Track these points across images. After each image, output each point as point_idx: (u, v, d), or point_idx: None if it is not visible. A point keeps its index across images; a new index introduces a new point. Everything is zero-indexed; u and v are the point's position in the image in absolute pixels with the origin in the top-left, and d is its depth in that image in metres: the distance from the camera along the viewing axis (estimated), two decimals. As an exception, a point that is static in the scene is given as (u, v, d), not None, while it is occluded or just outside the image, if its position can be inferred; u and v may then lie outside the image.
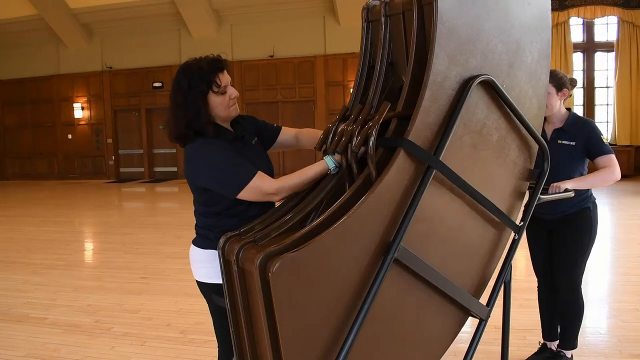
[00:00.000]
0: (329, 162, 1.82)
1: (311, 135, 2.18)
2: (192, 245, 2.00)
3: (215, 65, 1.85)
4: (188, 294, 4.20)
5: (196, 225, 2.00)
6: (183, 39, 12.99)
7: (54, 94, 14.18)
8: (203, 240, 1.94)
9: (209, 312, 2.04)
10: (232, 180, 1.80)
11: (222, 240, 1.74)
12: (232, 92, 1.90)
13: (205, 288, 1.97)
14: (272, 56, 12.53)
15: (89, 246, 6.85)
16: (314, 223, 1.58)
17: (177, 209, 9.84)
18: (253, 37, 12.55)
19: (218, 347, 2.06)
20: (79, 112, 14.06)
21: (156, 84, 13.37)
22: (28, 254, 5.97)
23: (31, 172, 14.68)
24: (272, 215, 1.81)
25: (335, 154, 1.80)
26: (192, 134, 1.85)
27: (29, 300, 4.26)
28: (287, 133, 2.18)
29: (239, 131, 1.98)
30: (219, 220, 1.89)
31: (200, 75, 1.82)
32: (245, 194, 1.80)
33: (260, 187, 1.79)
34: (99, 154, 14.18)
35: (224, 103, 1.88)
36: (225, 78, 1.87)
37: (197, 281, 2.00)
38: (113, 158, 14.06)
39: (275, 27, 12.44)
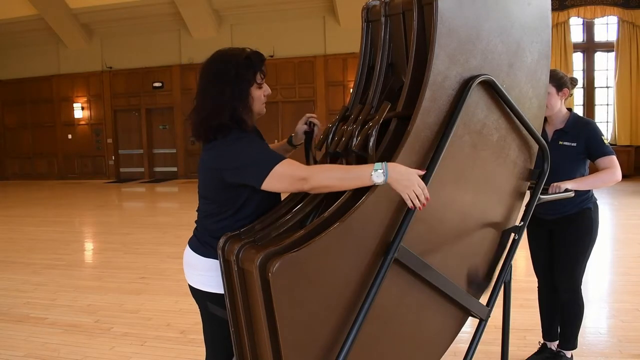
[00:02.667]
0: (377, 165, 1.55)
1: (278, 147, 2.16)
2: (190, 250, 1.89)
3: (261, 57, 1.79)
4: (188, 294, 4.11)
5: (200, 230, 1.88)
6: (183, 39, 12.99)
7: (54, 94, 14.19)
8: (205, 248, 1.83)
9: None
10: (260, 164, 1.66)
11: (222, 240, 1.73)
12: (267, 89, 1.82)
13: (200, 295, 1.91)
14: (272, 56, 12.52)
15: (89, 246, 6.85)
16: (314, 223, 1.58)
17: (177, 209, 9.84)
18: (253, 37, 12.53)
19: (206, 351, 2.00)
20: (79, 112, 14.07)
21: (156, 84, 13.38)
22: (28, 254, 5.96)
23: (31, 172, 14.67)
24: (272, 216, 1.80)
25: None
26: (233, 125, 1.71)
27: (29, 300, 4.26)
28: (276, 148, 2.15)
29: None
30: (228, 224, 1.78)
31: (248, 64, 1.73)
32: (274, 181, 1.64)
33: (293, 171, 1.63)
34: (99, 154, 14.18)
35: (260, 98, 1.79)
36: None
37: (190, 286, 1.93)
38: (113, 158, 14.06)
39: (275, 27, 12.44)
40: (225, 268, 1.74)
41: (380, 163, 1.56)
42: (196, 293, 1.94)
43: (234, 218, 1.79)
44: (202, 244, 1.86)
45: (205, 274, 1.86)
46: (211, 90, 1.73)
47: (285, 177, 1.64)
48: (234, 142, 1.71)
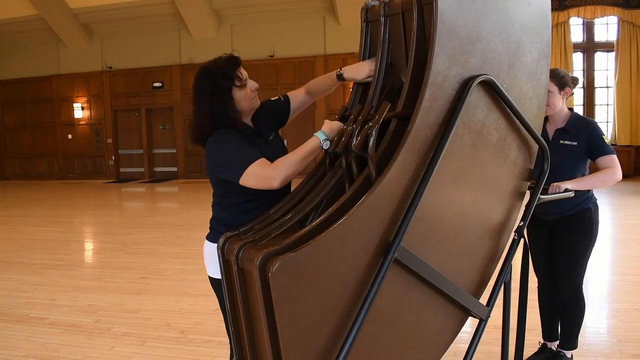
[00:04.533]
0: (319, 135, 1.81)
1: (319, 82, 2.23)
2: (205, 241, 2.02)
3: (234, 61, 1.93)
4: (188, 294, 4.20)
5: (211, 219, 2.04)
6: (183, 39, 12.99)
7: (54, 94, 14.19)
8: (213, 233, 1.98)
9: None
10: (236, 163, 1.82)
11: (221, 240, 1.74)
12: (252, 84, 1.97)
13: (215, 284, 1.99)
14: (272, 56, 12.53)
15: (89, 246, 6.85)
16: (314, 223, 1.58)
17: (177, 209, 9.84)
18: (253, 37, 12.54)
19: (230, 345, 2.04)
20: (79, 112, 14.07)
21: (156, 84, 13.38)
22: (28, 254, 5.97)
23: (31, 172, 14.67)
24: (271, 215, 1.80)
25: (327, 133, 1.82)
26: (217, 128, 1.90)
27: (29, 300, 4.26)
28: (296, 97, 2.23)
29: (259, 126, 2.03)
30: (233, 212, 1.92)
31: (222, 73, 1.89)
32: (246, 179, 1.80)
33: (259, 172, 1.79)
34: (99, 154, 14.18)
35: (247, 96, 1.95)
36: (244, 72, 1.94)
37: (209, 278, 2.02)
38: (113, 158, 14.06)
39: (275, 27, 12.44)
40: (225, 268, 1.74)
41: (319, 132, 1.81)
42: (213, 283, 2.01)
43: (238, 206, 1.90)
44: (211, 230, 2.01)
45: (209, 259, 1.92)
46: (197, 105, 1.94)
47: (255, 177, 1.79)
48: (216, 141, 1.89)
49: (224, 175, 1.89)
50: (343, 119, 1.96)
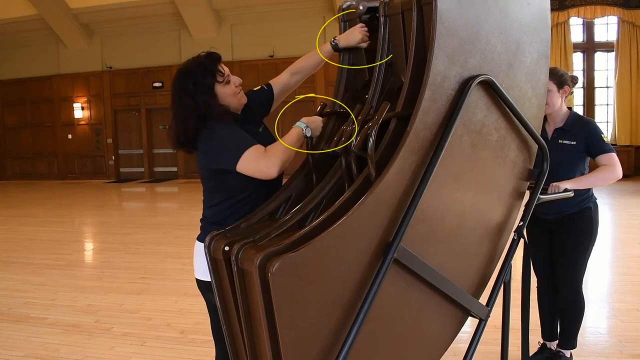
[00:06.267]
0: (299, 124, 1.84)
1: (306, 59, 2.22)
2: (196, 242, 1.98)
3: (214, 56, 1.87)
4: (188, 294, 4.20)
5: (200, 218, 1.99)
6: (183, 39, 12.99)
7: (54, 94, 14.19)
8: (201, 232, 1.94)
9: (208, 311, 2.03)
10: (232, 148, 1.78)
11: (207, 239, 1.73)
12: (235, 79, 1.91)
13: (201, 286, 1.96)
14: (272, 56, 12.52)
15: (89, 246, 6.85)
16: (314, 223, 1.57)
17: (177, 209, 9.84)
18: (253, 37, 12.54)
19: (215, 346, 2.03)
20: (79, 112, 14.07)
21: (156, 84, 13.37)
22: (28, 254, 5.97)
23: (31, 172, 14.67)
24: (257, 214, 1.81)
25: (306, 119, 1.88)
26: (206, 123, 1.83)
27: (29, 300, 4.26)
28: (279, 83, 2.20)
29: (247, 117, 2.00)
30: (221, 210, 1.88)
31: (202, 70, 1.83)
32: (243, 165, 1.76)
33: (256, 159, 1.75)
34: (99, 154, 14.18)
35: (232, 92, 1.89)
36: (225, 68, 1.89)
37: (196, 280, 1.99)
38: (113, 158, 14.06)
39: (275, 27, 12.43)
40: (212, 266, 1.74)
41: (298, 122, 1.84)
42: (199, 285, 1.97)
43: (226, 204, 1.87)
44: (200, 230, 1.96)
45: (198, 260, 1.90)
46: (178, 107, 1.84)
47: (252, 163, 1.75)
48: (210, 130, 1.82)
49: (220, 164, 1.82)
50: (324, 115, 1.99)
